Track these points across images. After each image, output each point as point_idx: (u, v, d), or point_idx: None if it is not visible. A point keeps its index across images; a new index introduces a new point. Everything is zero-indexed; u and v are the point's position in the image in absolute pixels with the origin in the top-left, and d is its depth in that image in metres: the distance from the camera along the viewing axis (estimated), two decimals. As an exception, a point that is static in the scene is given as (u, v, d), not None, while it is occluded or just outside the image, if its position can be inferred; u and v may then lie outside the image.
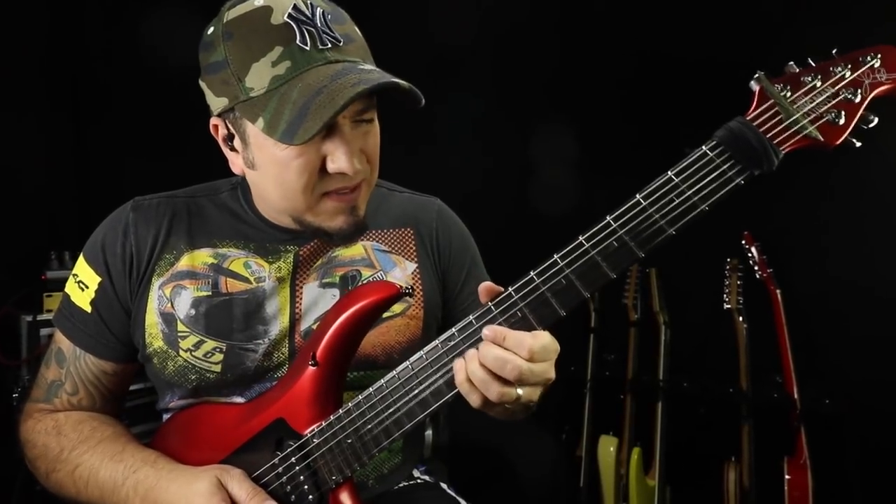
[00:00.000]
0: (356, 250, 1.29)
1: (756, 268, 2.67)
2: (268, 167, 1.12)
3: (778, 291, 2.60)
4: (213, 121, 1.16)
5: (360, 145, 1.12)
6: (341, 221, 1.16)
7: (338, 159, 1.07)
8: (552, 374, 0.95)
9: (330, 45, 1.05)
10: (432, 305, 1.31)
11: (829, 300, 2.64)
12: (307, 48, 1.03)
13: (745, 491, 2.60)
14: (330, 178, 1.10)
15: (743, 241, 2.72)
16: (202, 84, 1.14)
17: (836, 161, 2.37)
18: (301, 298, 1.23)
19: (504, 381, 0.91)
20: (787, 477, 2.48)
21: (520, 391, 0.91)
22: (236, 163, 1.18)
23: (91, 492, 1.15)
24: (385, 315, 1.22)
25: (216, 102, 1.11)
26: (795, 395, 2.53)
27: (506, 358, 0.90)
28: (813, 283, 2.67)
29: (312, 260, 1.26)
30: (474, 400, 0.94)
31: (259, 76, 1.03)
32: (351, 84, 1.00)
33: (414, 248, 1.33)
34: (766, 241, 2.70)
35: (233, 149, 1.17)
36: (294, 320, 1.22)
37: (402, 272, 1.29)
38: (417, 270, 1.31)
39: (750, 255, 2.69)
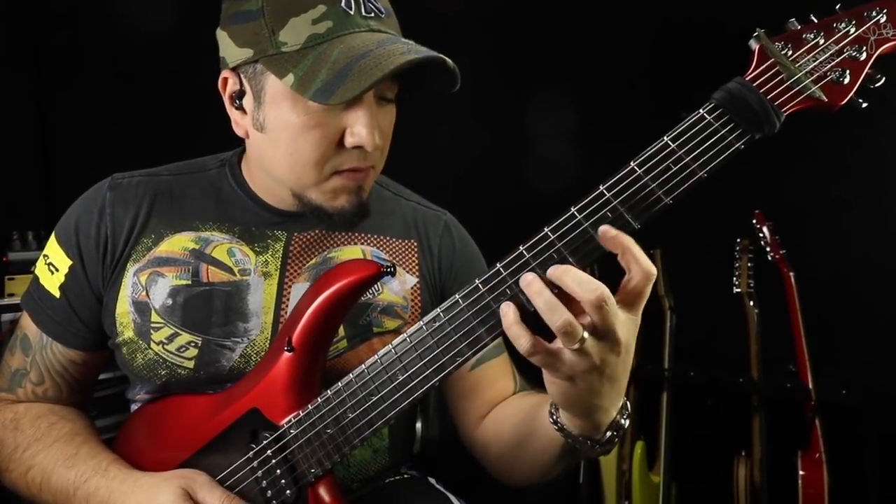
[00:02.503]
0: (353, 254, 1.29)
1: (768, 249, 2.68)
2: (280, 132, 1.12)
3: (791, 274, 2.62)
4: (225, 73, 1.16)
5: (380, 124, 1.13)
6: (344, 201, 1.16)
7: (358, 132, 1.08)
8: (631, 347, 0.88)
9: (373, 15, 1.08)
10: None
11: (846, 283, 2.66)
12: (351, 12, 1.06)
13: (757, 487, 2.62)
14: (344, 154, 1.12)
15: (754, 220, 2.72)
16: (221, 33, 1.15)
17: (854, 133, 2.41)
18: (288, 298, 1.22)
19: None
20: (800, 472, 2.50)
21: (586, 335, 0.83)
22: (240, 123, 1.19)
23: (45, 498, 1.16)
24: (376, 330, 1.24)
25: (236, 54, 1.11)
26: (810, 385, 2.55)
27: (583, 279, 0.83)
28: (829, 264, 2.68)
29: (304, 258, 1.26)
30: (522, 345, 0.85)
31: (296, 32, 1.05)
32: (400, 52, 1.03)
33: (417, 262, 1.33)
34: (778, 220, 2.71)
35: (239, 107, 1.17)
36: (278, 321, 1.21)
37: (402, 285, 1.29)
38: (418, 286, 1.31)
39: (761, 235, 2.70)
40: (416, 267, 1.33)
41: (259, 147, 1.19)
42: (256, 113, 1.14)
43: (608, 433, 0.96)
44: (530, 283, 0.86)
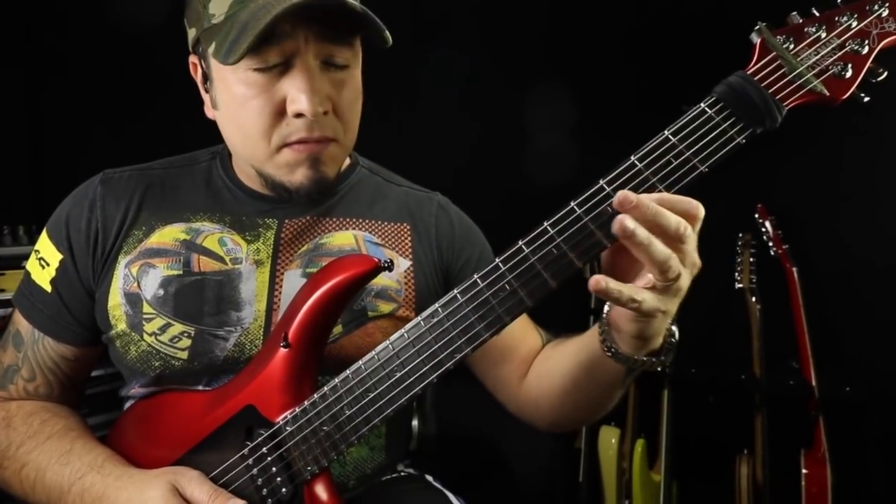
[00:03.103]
0: (346, 239, 1.29)
1: (770, 244, 2.68)
2: (228, 107, 1.16)
3: (794, 269, 2.61)
4: (191, 58, 1.22)
5: (328, 92, 1.13)
6: (301, 176, 1.17)
7: (296, 99, 1.10)
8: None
9: None
10: (427, 307, 1.29)
11: (850, 279, 2.66)
12: None
13: (759, 486, 2.62)
14: (290, 124, 1.13)
15: (756, 215, 2.72)
16: (184, 20, 1.20)
17: (858, 127, 2.41)
18: (281, 286, 1.23)
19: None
20: (804, 471, 2.49)
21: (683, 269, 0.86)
22: (208, 106, 1.23)
23: (38, 495, 1.16)
24: (371, 314, 1.24)
25: (189, 36, 1.17)
26: (813, 383, 2.55)
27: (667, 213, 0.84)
28: (832, 260, 2.68)
29: (296, 245, 1.27)
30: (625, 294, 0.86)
31: (221, 2, 1.09)
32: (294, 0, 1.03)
33: (410, 244, 1.34)
34: (781, 214, 2.70)
35: (207, 91, 1.21)
36: (271, 309, 1.22)
37: (395, 269, 1.30)
38: (411, 269, 1.32)
39: (764, 229, 2.70)
40: (410, 250, 1.33)
41: (221, 127, 1.23)
42: (212, 92, 1.19)
43: (665, 343, 0.99)
44: (625, 227, 0.83)
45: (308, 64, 1.10)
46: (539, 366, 1.30)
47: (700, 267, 0.89)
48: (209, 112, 1.24)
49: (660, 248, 0.83)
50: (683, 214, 0.85)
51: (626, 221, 0.83)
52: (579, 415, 1.25)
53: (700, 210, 0.86)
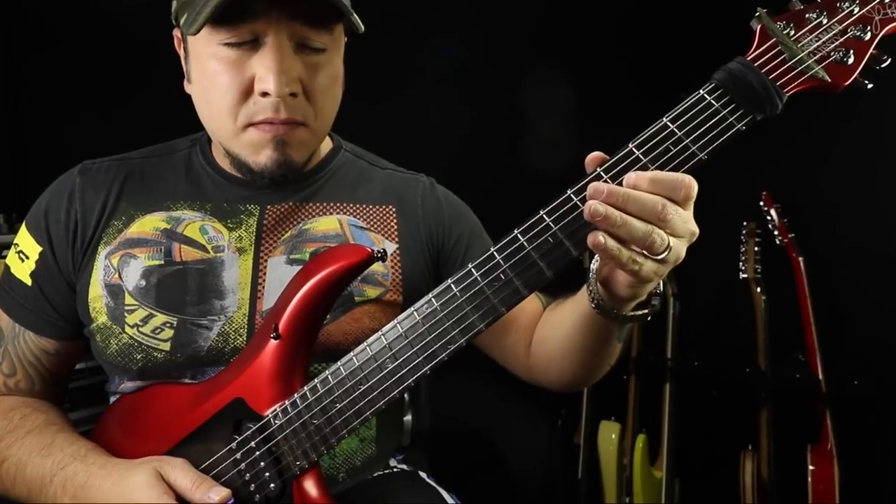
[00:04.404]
0: (330, 224, 1.31)
1: (776, 232, 2.68)
2: (199, 81, 1.19)
3: (800, 259, 2.62)
4: (175, 31, 1.26)
5: (299, 74, 1.16)
6: (265, 157, 1.20)
7: (264, 78, 1.12)
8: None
9: None
10: (414, 291, 1.32)
11: (858, 269, 2.66)
12: None
13: (764, 483, 2.63)
14: (257, 103, 1.15)
15: (761, 203, 2.73)
16: None
17: (865, 114, 2.43)
18: (265, 273, 1.25)
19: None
20: (810, 467, 2.50)
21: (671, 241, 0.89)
22: (187, 80, 1.26)
23: (19, 489, 1.17)
24: (358, 300, 1.25)
25: (172, 8, 1.20)
26: (820, 376, 2.56)
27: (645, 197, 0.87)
28: (840, 249, 2.68)
29: (279, 231, 1.28)
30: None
31: None
32: None
33: (396, 227, 1.35)
34: (787, 202, 2.71)
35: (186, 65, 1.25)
36: (255, 297, 1.23)
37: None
38: (398, 252, 1.33)
39: (769, 218, 2.70)
40: (396, 232, 1.35)
41: (194, 101, 1.25)
42: (187, 65, 1.22)
43: (650, 295, 1.04)
44: (598, 212, 0.87)
45: (280, 44, 1.12)
46: (540, 330, 1.33)
47: (698, 234, 0.92)
48: (186, 86, 1.26)
49: (638, 225, 0.86)
50: (674, 189, 0.87)
51: (598, 228, 0.87)
52: (586, 371, 1.26)
53: (691, 182, 0.88)
